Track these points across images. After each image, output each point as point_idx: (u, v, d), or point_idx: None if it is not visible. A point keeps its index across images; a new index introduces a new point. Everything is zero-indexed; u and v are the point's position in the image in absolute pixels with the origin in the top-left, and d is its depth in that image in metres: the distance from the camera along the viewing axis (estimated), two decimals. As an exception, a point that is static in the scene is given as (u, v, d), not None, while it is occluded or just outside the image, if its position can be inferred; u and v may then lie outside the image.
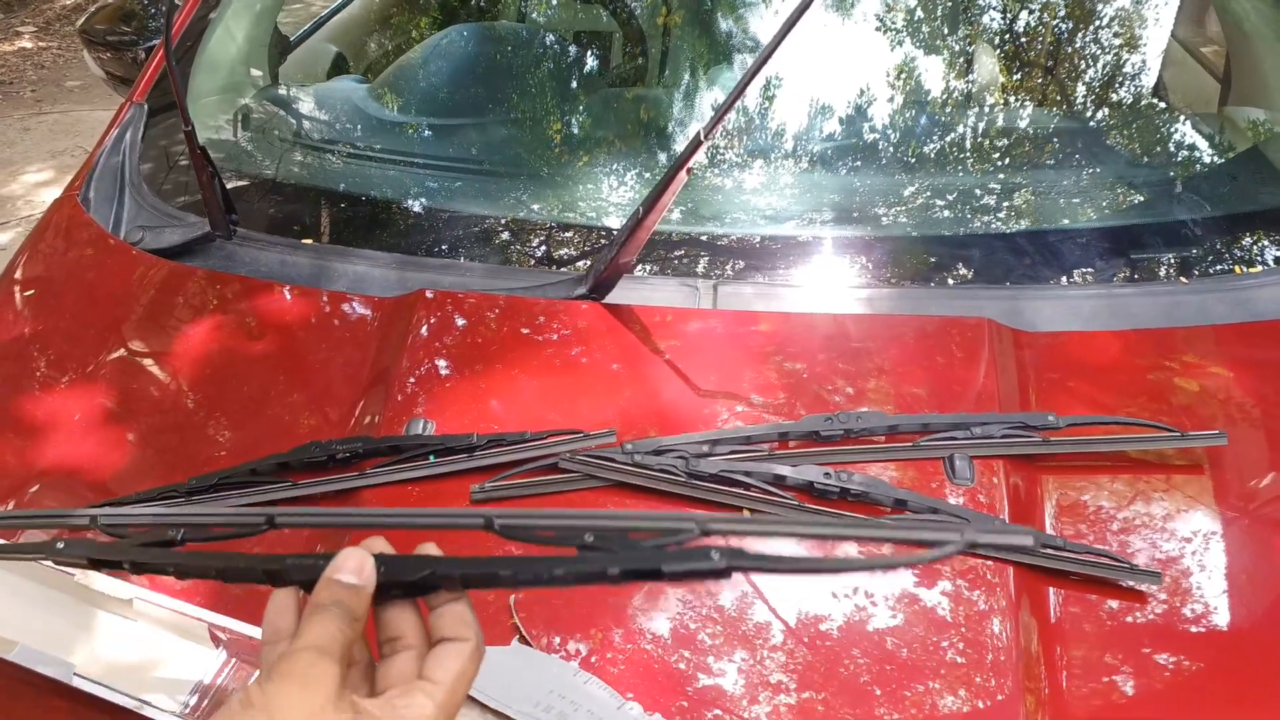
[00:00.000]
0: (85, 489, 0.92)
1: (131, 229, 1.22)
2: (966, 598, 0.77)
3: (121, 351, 1.08)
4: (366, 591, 0.48)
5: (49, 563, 0.80)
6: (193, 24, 1.50)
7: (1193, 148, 1.38)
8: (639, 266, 1.11)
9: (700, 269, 1.14)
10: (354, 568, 0.48)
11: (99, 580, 0.80)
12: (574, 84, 1.55)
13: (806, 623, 0.76)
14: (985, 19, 1.52)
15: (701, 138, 0.87)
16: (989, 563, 0.79)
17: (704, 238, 1.17)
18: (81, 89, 4.81)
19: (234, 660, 0.78)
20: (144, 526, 0.56)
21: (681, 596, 0.79)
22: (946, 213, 1.21)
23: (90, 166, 1.32)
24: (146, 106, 1.39)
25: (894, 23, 1.48)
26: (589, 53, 1.63)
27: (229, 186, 1.20)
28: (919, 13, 1.49)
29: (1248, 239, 1.17)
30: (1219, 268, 1.12)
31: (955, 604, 0.77)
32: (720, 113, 0.86)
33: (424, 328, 1.03)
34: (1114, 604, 0.77)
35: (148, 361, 1.07)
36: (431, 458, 0.88)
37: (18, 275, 1.22)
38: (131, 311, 1.12)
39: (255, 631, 0.77)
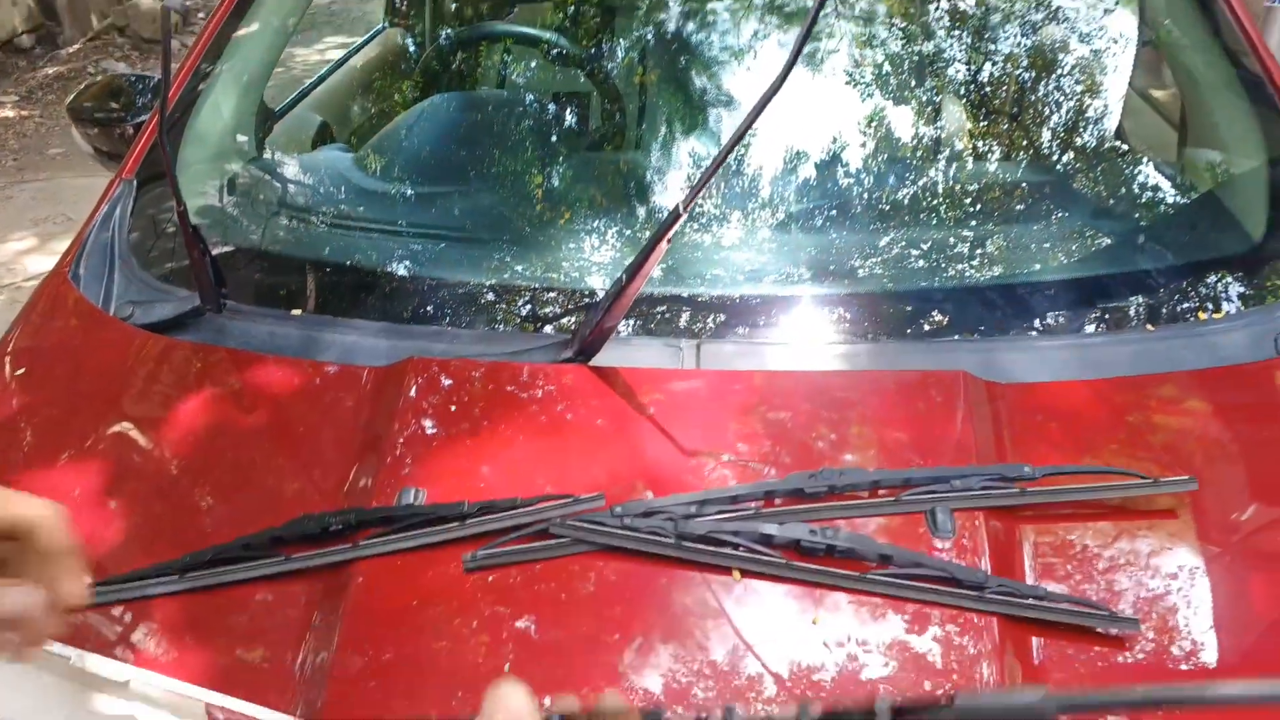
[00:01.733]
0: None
1: (122, 304, 1.24)
2: (956, 644, 0.79)
3: (114, 427, 1.09)
4: None
5: (51, 647, 0.81)
6: (181, 97, 1.53)
7: (1155, 195, 1.43)
8: (622, 327, 1.14)
9: (682, 329, 1.16)
10: (514, 712, 0.40)
11: (94, 662, 0.80)
12: (556, 149, 1.59)
13: (799, 674, 0.78)
14: (953, 76, 1.58)
15: (681, 210, 0.90)
16: (976, 614, 0.80)
17: (685, 297, 1.20)
18: (64, 157, 4.84)
19: (231, 738, 0.79)
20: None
21: (673, 653, 0.80)
22: (921, 267, 1.24)
23: (80, 242, 1.34)
24: (136, 182, 1.41)
25: (865, 81, 1.53)
26: (571, 117, 1.68)
27: (217, 256, 1.22)
28: (888, 72, 1.55)
29: (1211, 285, 1.21)
30: (1184, 314, 1.16)
31: (945, 650, 0.78)
32: (698, 186, 0.90)
33: (413, 395, 1.05)
34: (1095, 649, 0.79)
35: (140, 437, 1.08)
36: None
37: (9, 351, 1.23)
38: (124, 387, 1.14)
39: (252, 710, 0.78)
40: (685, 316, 1.18)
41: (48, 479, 1.03)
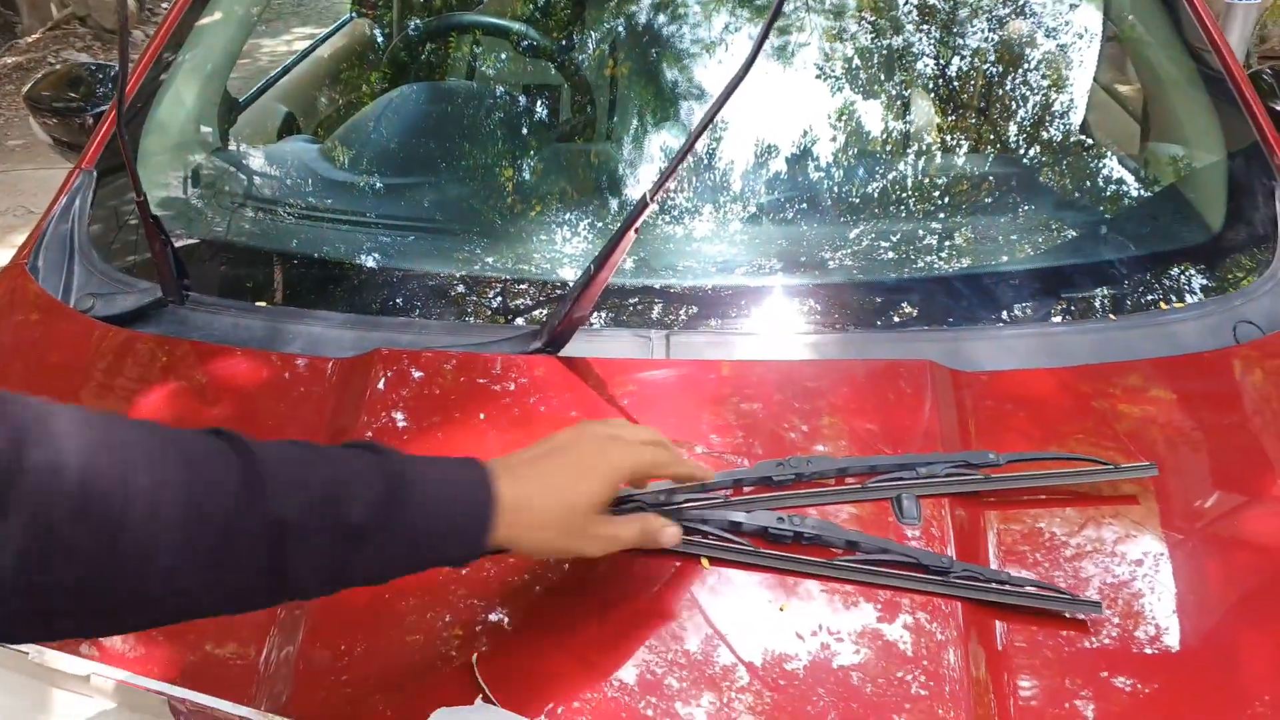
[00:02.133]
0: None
1: (82, 296, 1.22)
2: (923, 629, 0.80)
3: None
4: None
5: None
6: (142, 86, 1.51)
7: (1118, 187, 1.45)
8: (592, 318, 1.13)
9: (652, 319, 1.16)
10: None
11: (53, 657, 0.79)
12: (525, 139, 1.58)
13: (771, 663, 0.78)
14: (921, 69, 1.59)
15: (648, 200, 0.90)
16: (941, 598, 0.81)
17: (655, 288, 1.20)
18: (24, 148, 4.75)
19: (195, 732, 0.78)
20: None
21: (649, 644, 0.80)
22: (888, 258, 1.25)
23: (39, 234, 1.31)
24: (95, 173, 1.39)
25: (833, 73, 1.54)
26: (539, 108, 1.67)
27: (180, 249, 1.21)
28: (856, 66, 1.56)
29: (1171, 275, 1.23)
30: (1146, 303, 1.18)
31: (913, 635, 0.79)
32: (665, 175, 0.90)
33: (380, 387, 1.04)
34: (1058, 632, 0.80)
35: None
36: None
37: (-36, 345, 1.20)
38: (84, 380, 1.12)
39: (213, 703, 0.77)
40: (655, 307, 1.18)
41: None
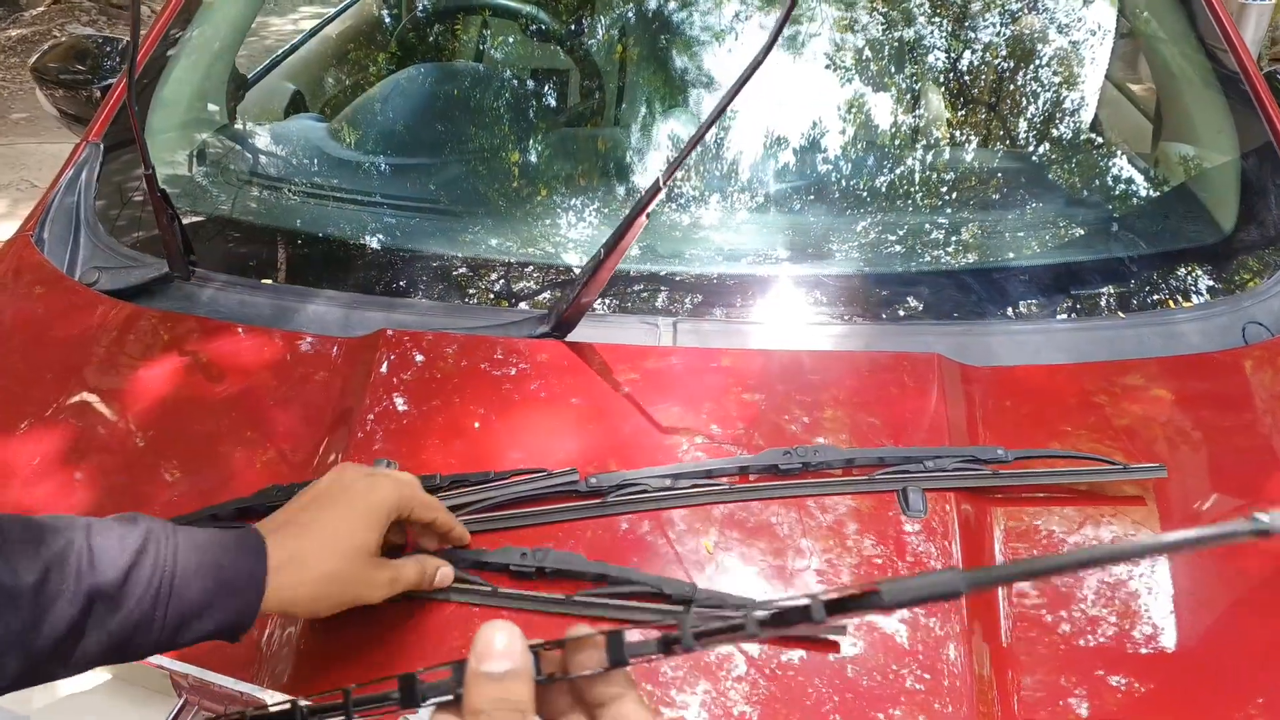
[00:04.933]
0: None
1: (87, 270, 1.21)
2: (924, 624, 0.80)
3: (78, 395, 1.06)
4: (526, 674, 0.42)
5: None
6: (151, 61, 1.50)
7: (1130, 186, 1.44)
8: (600, 304, 1.13)
9: (659, 306, 1.16)
10: (501, 650, 0.42)
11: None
12: (533, 122, 1.57)
13: (769, 654, 0.78)
14: (933, 62, 1.58)
15: (660, 184, 0.89)
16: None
17: (663, 275, 1.20)
18: (28, 121, 4.73)
19: (196, 708, 0.78)
20: None
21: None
22: (898, 250, 1.25)
23: (45, 206, 1.31)
24: (103, 146, 1.38)
25: (845, 65, 1.53)
26: (548, 91, 1.66)
27: (187, 225, 1.20)
28: (868, 58, 1.55)
29: (1181, 274, 1.22)
30: (1156, 302, 1.17)
31: (913, 631, 0.79)
32: (677, 160, 0.89)
33: (386, 367, 1.04)
34: (1064, 628, 0.80)
35: (105, 405, 1.06)
36: None
37: (-32, 316, 1.20)
38: (88, 354, 1.11)
39: (215, 678, 0.76)
40: (663, 294, 1.18)
41: (8, 446, 1.00)
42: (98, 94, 1.60)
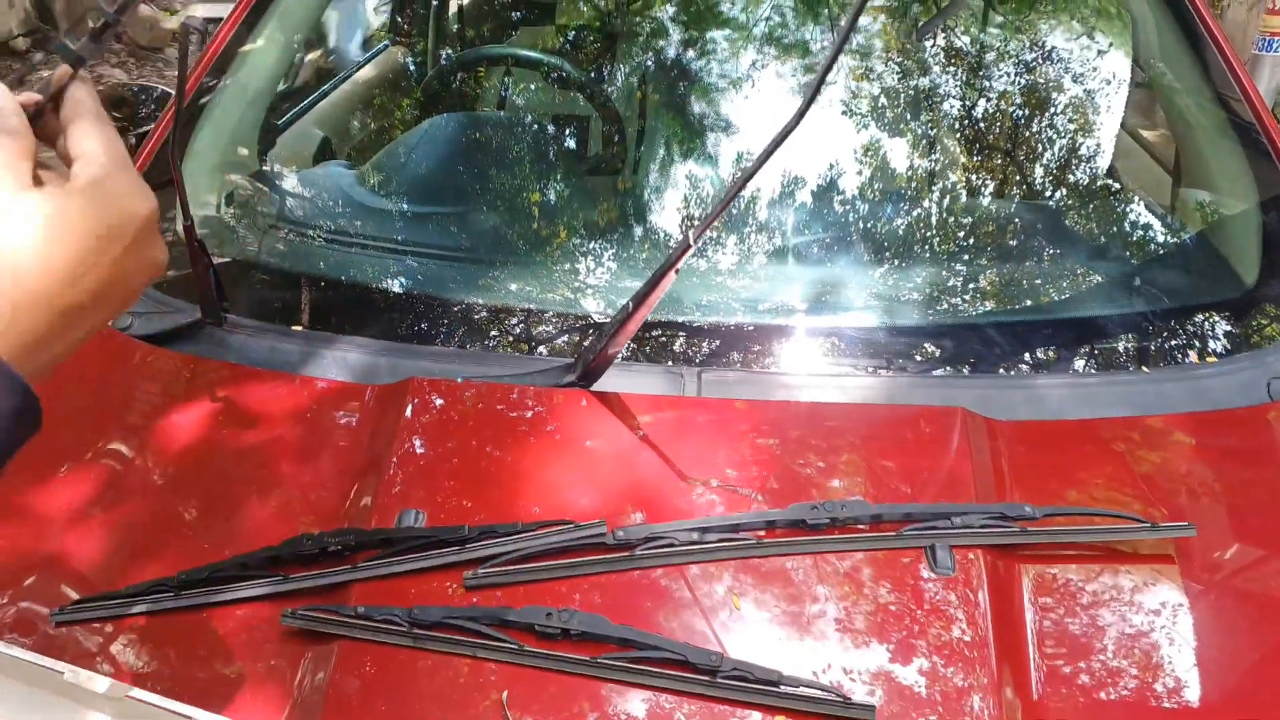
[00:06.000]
0: (73, 582, 0.92)
1: (121, 315, 1.23)
2: (949, 677, 0.79)
3: (111, 439, 1.08)
4: (11, 107, 0.51)
5: (36, 660, 0.80)
6: (186, 109, 1.53)
7: (1151, 237, 1.45)
8: (623, 350, 1.14)
9: (684, 356, 1.17)
10: None
11: (87, 678, 0.79)
12: (560, 171, 1.60)
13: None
14: (955, 114, 1.60)
15: (690, 242, 0.91)
16: (709, 699, 0.78)
17: (687, 324, 1.21)
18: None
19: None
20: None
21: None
22: (921, 301, 1.26)
23: (80, 252, 1.33)
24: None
25: (866, 117, 1.55)
26: (573, 139, 1.69)
27: (218, 270, 1.22)
28: (889, 109, 1.57)
29: (1204, 327, 1.23)
30: (1178, 356, 1.18)
31: (939, 683, 0.78)
32: (707, 220, 0.91)
33: (414, 416, 1.05)
34: (1095, 679, 0.80)
35: (137, 450, 1.07)
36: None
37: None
38: (121, 399, 1.13)
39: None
40: (687, 344, 1.19)
41: (43, 491, 1.01)
42: (133, 141, 1.64)
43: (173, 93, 1.68)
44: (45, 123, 0.54)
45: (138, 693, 0.78)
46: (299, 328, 1.23)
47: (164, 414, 1.10)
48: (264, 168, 1.64)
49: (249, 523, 0.97)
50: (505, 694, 0.79)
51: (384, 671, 0.82)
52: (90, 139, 0.52)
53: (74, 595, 0.89)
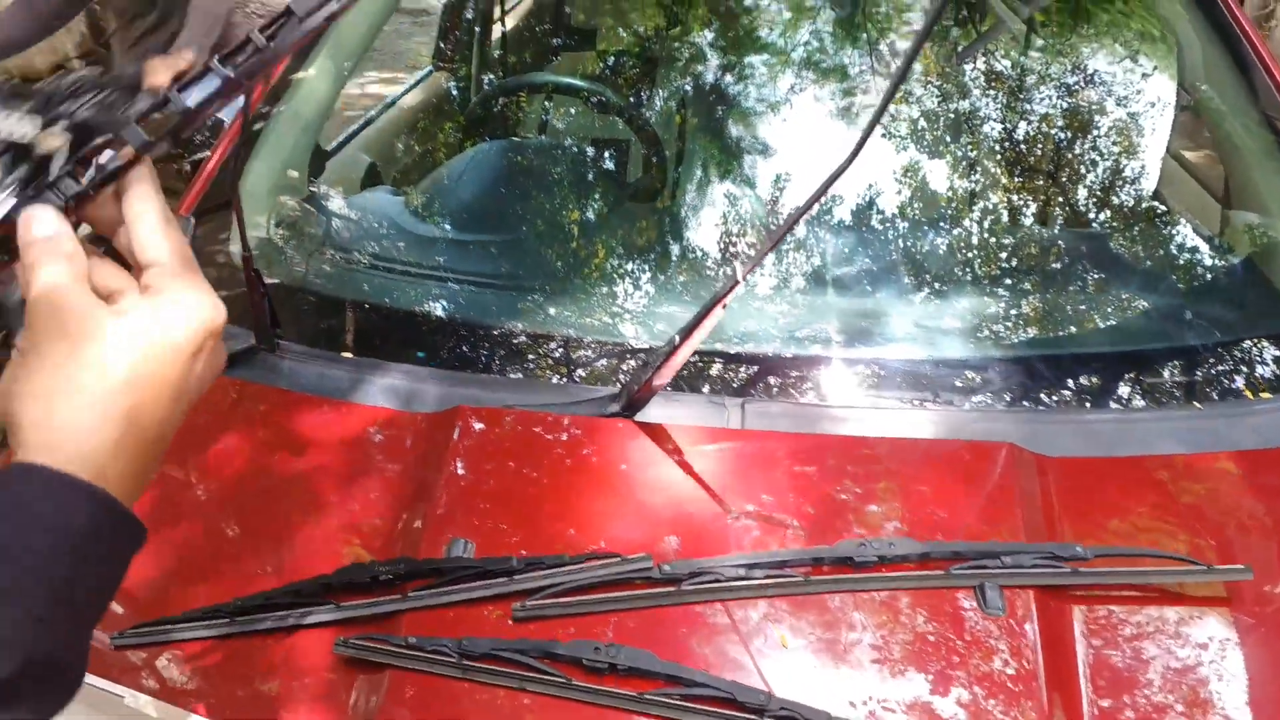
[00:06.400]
0: (131, 605, 0.94)
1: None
2: (997, 713, 0.78)
3: (168, 463, 1.10)
4: (69, 232, 0.50)
5: (99, 684, 0.82)
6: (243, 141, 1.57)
7: (1204, 267, 1.43)
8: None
9: (727, 386, 1.17)
10: (40, 218, 0.49)
11: (147, 703, 0.81)
12: (604, 197, 1.61)
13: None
14: (1000, 143, 1.59)
15: (740, 278, 0.91)
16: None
17: (732, 354, 1.21)
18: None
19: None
20: None
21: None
22: (968, 333, 1.25)
23: (137, 277, 1.37)
24: (193, 220, 1.44)
25: (910, 146, 1.55)
26: (618, 166, 1.70)
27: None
28: (935, 138, 1.57)
29: (1259, 362, 1.21)
30: (1232, 391, 1.16)
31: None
32: (759, 256, 0.91)
33: (462, 444, 1.06)
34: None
35: (190, 474, 1.10)
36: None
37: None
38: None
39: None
40: (732, 374, 1.19)
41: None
42: (188, 168, 1.67)
43: (225, 120, 1.72)
44: (101, 206, 0.53)
45: (195, 719, 0.80)
46: (347, 354, 1.25)
47: (219, 439, 1.12)
48: (313, 193, 1.67)
49: (301, 548, 0.99)
50: None
51: (433, 701, 0.83)
52: (157, 244, 0.51)
53: (132, 619, 0.91)
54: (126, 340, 0.49)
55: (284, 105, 1.63)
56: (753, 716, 0.77)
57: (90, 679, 0.82)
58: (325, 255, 1.46)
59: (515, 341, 1.25)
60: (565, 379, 1.21)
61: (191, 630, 0.88)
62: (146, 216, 0.52)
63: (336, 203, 1.64)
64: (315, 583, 0.90)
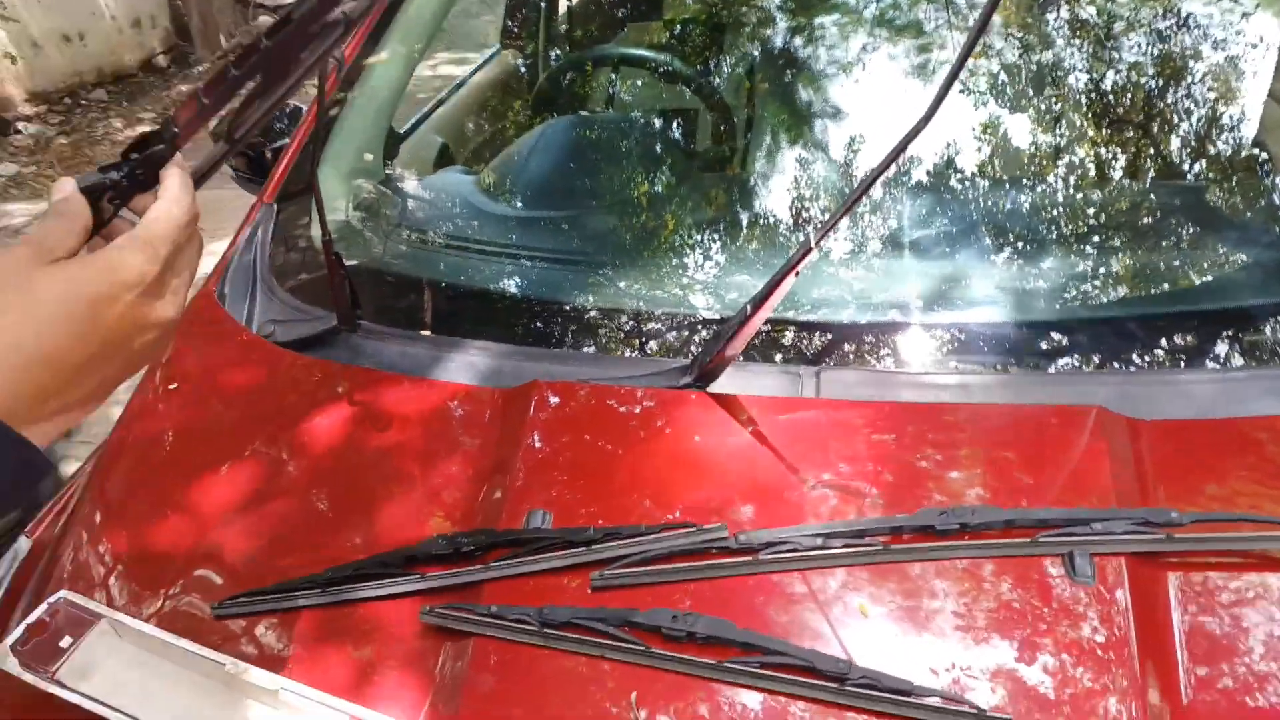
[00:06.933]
0: (228, 576, 0.99)
1: (264, 323, 1.31)
2: (1085, 682, 0.76)
3: (256, 442, 1.15)
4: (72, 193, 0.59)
5: (203, 652, 0.86)
6: (316, 126, 1.61)
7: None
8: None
9: (802, 355, 1.16)
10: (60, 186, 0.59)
11: (247, 670, 0.85)
12: (674, 170, 1.60)
13: None
14: (1086, 93, 1.52)
15: (812, 244, 0.90)
16: (835, 706, 0.77)
17: (805, 322, 1.20)
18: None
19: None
20: None
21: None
22: (1052, 294, 1.20)
23: (225, 264, 1.42)
24: (275, 207, 1.49)
25: (990, 100, 1.50)
26: (688, 137, 1.69)
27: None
28: (1016, 91, 1.51)
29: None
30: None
31: (1075, 687, 0.76)
32: (830, 223, 0.90)
33: (539, 418, 1.08)
34: (1247, 682, 0.75)
35: (280, 451, 1.14)
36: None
37: (162, 364, 1.31)
38: (265, 403, 1.20)
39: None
40: (805, 343, 1.18)
41: (198, 490, 1.09)
42: (269, 155, 1.73)
43: (304, 108, 1.77)
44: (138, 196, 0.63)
45: (293, 685, 0.83)
46: (425, 332, 1.27)
47: (306, 417, 1.16)
48: (390, 177, 1.70)
49: (387, 520, 1.02)
50: (634, 695, 0.80)
51: (516, 668, 0.85)
52: (141, 224, 0.60)
53: (231, 589, 0.95)
54: (44, 289, 0.55)
55: (358, 90, 1.66)
56: (833, 684, 0.77)
57: (193, 646, 0.87)
58: (402, 236, 1.49)
59: (588, 316, 1.26)
60: (638, 352, 1.21)
61: (286, 600, 0.92)
62: (153, 204, 0.62)
63: (411, 184, 1.67)
64: (401, 554, 0.93)
